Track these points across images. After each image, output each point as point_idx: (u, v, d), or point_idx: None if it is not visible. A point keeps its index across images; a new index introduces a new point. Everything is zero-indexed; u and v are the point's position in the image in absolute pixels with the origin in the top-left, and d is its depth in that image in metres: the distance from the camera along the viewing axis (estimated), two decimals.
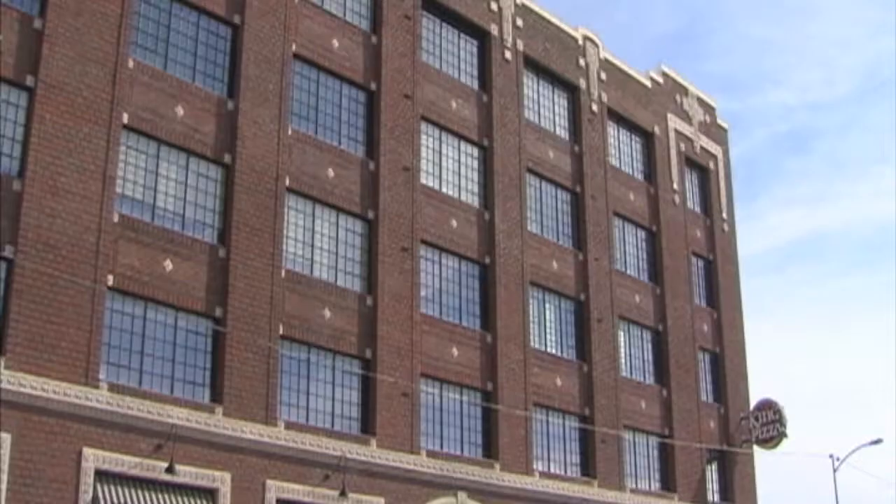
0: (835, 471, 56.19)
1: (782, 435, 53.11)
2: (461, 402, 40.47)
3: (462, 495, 38.62)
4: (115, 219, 31.17)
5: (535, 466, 42.04)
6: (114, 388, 29.89)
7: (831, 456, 56.83)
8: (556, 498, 42.12)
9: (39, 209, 29.38)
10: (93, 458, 28.78)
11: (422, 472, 37.37)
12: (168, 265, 32.19)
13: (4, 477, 26.90)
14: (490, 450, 40.69)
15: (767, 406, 53.83)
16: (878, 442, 56.03)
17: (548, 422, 43.83)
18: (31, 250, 28.96)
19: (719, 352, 54.86)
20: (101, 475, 28.95)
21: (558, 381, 44.35)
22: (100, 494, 28.54)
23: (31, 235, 29.05)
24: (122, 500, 28.80)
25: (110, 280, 30.63)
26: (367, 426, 36.59)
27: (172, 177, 33.35)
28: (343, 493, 34.28)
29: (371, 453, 35.83)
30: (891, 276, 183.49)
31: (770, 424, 53.18)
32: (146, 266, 31.71)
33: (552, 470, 43.21)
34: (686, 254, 54.13)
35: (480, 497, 39.31)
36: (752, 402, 54.88)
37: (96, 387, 29.39)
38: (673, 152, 54.81)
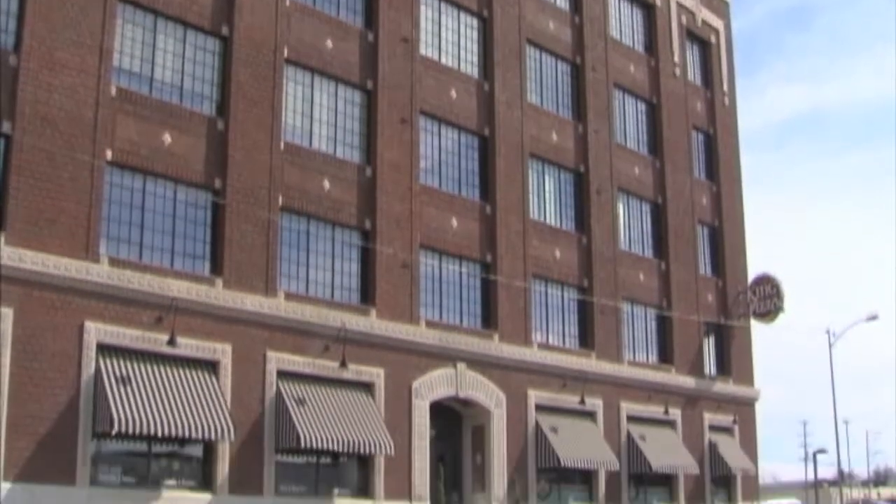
0: (831, 346, 56.78)
1: (779, 309, 53.51)
2: (460, 273, 40.67)
3: (461, 366, 39.06)
4: (113, 92, 30.94)
5: (533, 337, 42.44)
6: (114, 261, 30.01)
7: (828, 331, 57.42)
8: (555, 369, 42.58)
9: (36, 84, 29.13)
10: (94, 331, 29.08)
11: (421, 342, 37.72)
12: (167, 138, 32.05)
13: (7, 352, 27.18)
14: (489, 321, 41.03)
15: (765, 280, 54.13)
16: (874, 318, 56.48)
17: (546, 293, 44.12)
18: (29, 126, 28.80)
19: (718, 225, 54.96)
20: (103, 348, 29.26)
21: (557, 253, 44.53)
22: (102, 367, 28.85)
23: (29, 111, 28.86)
24: (124, 373, 29.11)
25: (109, 154, 30.52)
26: (367, 297, 36.83)
27: (170, 49, 33.02)
28: (343, 364, 34.65)
29: (371, 324, 36.12)
30: (890, 153, 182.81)
31: (767, 299, 53.53)
32: (145, 139, 31.57)
33: (551, 341, 43.64)
34: (686, 127, 53.90)
35: (479, 367, 39.76)
36: (750, 277, 55.26)
37: (96, 261, 29.51)
38: (674, 24, 54.19)
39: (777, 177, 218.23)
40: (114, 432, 27.99)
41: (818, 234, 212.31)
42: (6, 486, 26.68)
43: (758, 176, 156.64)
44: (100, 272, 29.42)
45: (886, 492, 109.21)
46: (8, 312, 27.39)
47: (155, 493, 29.80)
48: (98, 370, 28.81)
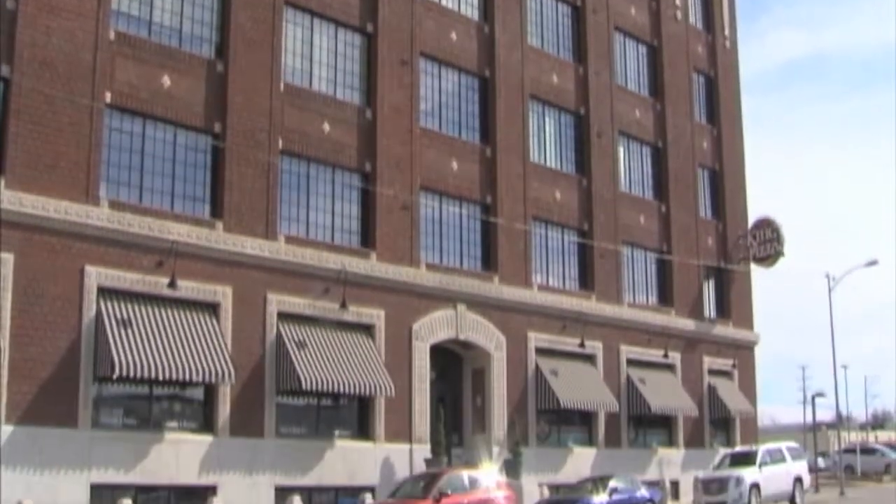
0: (830, 290, 56.77)
1: (779, 254, 53.51)
2: (461, 215, 40.66)
3: (461, 307, 39.16)
4: (112, 35, 30.73)
5: (533, 279, 42.51)
6: (114, 205, 29.99)
7: (827, 276, 57.32)
8: (555, 311, 42.70)
9: (34, 27, 28.92)
10: (95, 275, 29.11)
11: (421, 284, 37.80)
12: (166, 81, 31.91)
13: (8, 296, 27.23)
14: (489, 263, 41.09)
15: (765, 224, 54.09)
16: (873, 263, 56.41)
17: (547, 235, 44.14)
18: (28, 69, 28.63)
19: (719, 169, 54.87)
20: (104, 292, 29.31)
21: (557, 195, 44.50)
22: (103, 311, 28.92)
23: (27, 54, 28.68)
24: (125, 316, 29.18)
25: (108, 97, 30.38)
26: (367, 239, 36.85)
27: None
28: (343, 306, 34.74)
29: (371, 266, 36.17)
30: (890, 99, 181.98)
31: (767, 243, 53.51)
32: (144, 82, 31.43)
33: (551, 283, 43.72)
34: (687, 70, 53.66)
35: (479, 309, 39.88)
36: (751, 220, 55.24)
37: (97, 204, 29.49)
38: None
39: (777, 120, 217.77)
40: (115, 375, 28.13)
41: (818, 179, 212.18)
42: (8, 429, 26.84)
43: (759, 118, 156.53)
44: (100, 216, 29.41)
45: (884, 435, 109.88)
46: (8, 257, 27.40)
47: (156, 436, 29.98)
48: (99, 314, 28.89)
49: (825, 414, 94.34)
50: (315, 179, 35.84)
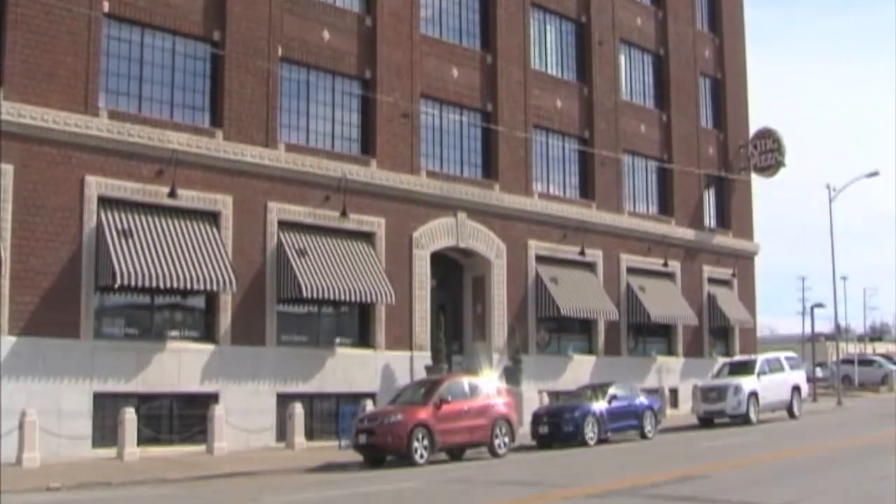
0: (831, 201, 56.68)
1: (780, 164, 53.36)
2: (461, 122, 40.47)
3: (461, 215, 39.14)
4: None
5: (534, 188, 42.44)
6: (114, 114, 29.83)
7: (828, 186, 57.20)
8: (555, 219, 42.67)
9: None
10: (95, 185, 29.06)
11: (422, 192, 37.74)
12: None
13: (9, 207, 27.22)
14: (490, 170, 40.98)
15: (766, 134, 53.85)
16: (874, 174, 56.25)
17: (547, 143, 43.97)
18: None
19: (720, 78, 54.48)
20: (104, 202, 29.28)
21: (558, 103, 44.24)
22: (103, 221, 28.90)
23: None
24: (125, 226, 29.15)
25: (106, 6, 30.04)
26: (368, 147, 36.72)
27: None
28: (344, 214, 34.71)
29: (371, 174, 36.08)
30: (890, 14, 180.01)
31: (768, 153, 53.31)
32: None
33: (551, 191, 43.64)
34: None
35: (480, 217, 39.87)
36: (752, 131, 54.97)
37: (96, 114, 29.34)
38: None
39: (780, 31, 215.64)
40: (116, 285, 28.26)
41: (820, 91, 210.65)
42: (11, 339, 27.00)
43: (761, 29, 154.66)
44: (99, 126, 29.28)
45: (882, 346, 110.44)
46: (8, 168, 27.35)
47: (158, 345, 30.15)
48: (99, 224, 28.88)
49: (824, 325, 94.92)
50: (315, 87, 35.60)
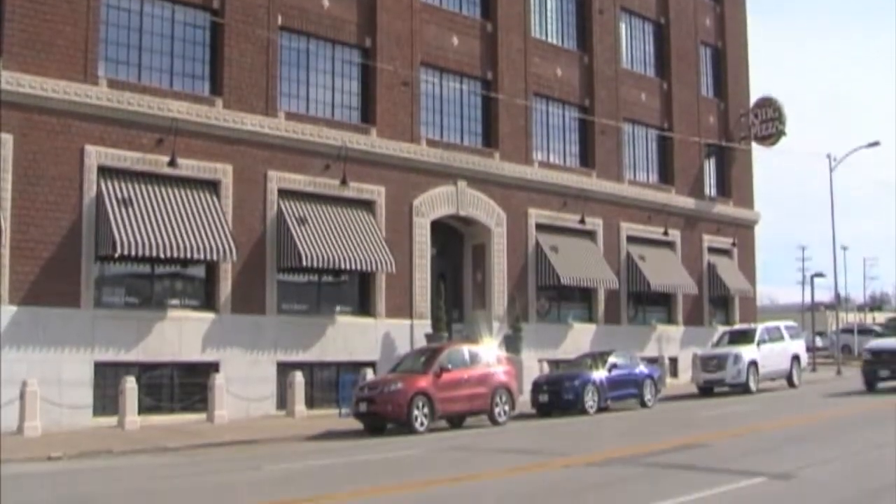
0: (831, 171, 56.56)
1: (781, 133, 53.26)
2: (461, 91, 40.37)
3: (462, 184, 39.10)
4: None
5: (534, 156, 42.38)
6: (113, 83, 29.76)
7: (829, 156, 57.07)
8: (555, 187, 42.63)
9: None
10: (95, 154, 29.03)
11: (422, 160, 37.69)
12: None
13: (9, 177, 27.22)
14: (490, 139, 40.92)
15: (767, 103, 53.71)
16: (875, 144, 56.11)
17: (547, 112, 43.89)
18: None
19: (721, 47, 54.30)
20: (104, 171, 29.25)
21: (559, 71, 44.12)
22: (103, 190, 28.86)
23: None
24: (125, 195, 29.12)
25: None
26: (368, 115, 36.65)
27: None
28: (344, 182, 34.68)
29: (371, 142, 36.02)
30: None
31: (769, 122, 53.18)
32: None
33: (551, 160, 43.58)
34: None
35: (480, 185, 39.83)
36: (753, 100, 54.82)
37: (95, 83, 29.27)
38: None
39: (778, 4, 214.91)
40: (117, 254, 28.24)
41: (820, 62, 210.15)
42: (11, 309, 27.04)
43: (760, 2, 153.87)
44: (99, 95, 29.22)
45: (881, 316, 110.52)
46: (8, 138, 27.34)
47: (159, 314, 30.19)
48: (99, 193, 28.85)
49: (823, 295, 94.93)
50: (315, 55, 35.51)
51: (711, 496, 14.11)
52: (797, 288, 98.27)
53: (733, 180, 53.83)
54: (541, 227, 42.06)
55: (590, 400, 32.47)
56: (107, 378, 28.63)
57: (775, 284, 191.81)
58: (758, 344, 40.02)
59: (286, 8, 34.29)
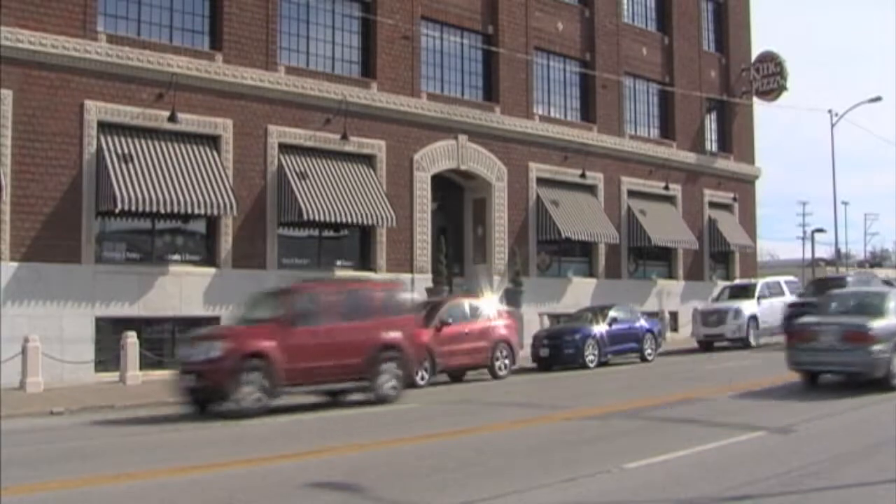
0: (832, 126, 56.46)
1: (782, 88, 53.12)
2: (462, 45, 40.21)
3: (462, 138, 39.02)
4: None
5: (535, 110, 42.27)
6: (112, 38, 29.62)
7: (830, 111, 56.96)
8: (556, 142, 42.56)
9: None
10: (95, 109, 28.94)
11: (423, 114, 37.60)
12: None
13: (8, 133, 27.16)
14: (490, 93, 40.80)
15: (768, 58, 53.53)
16: (877, 99, 55.97)
17: (548, 66, 43.73)
18: None
19: (723, 1, 53.97)
20: (104, 126, 29.18)
21: (560, 25, 43.91)
22: (103, 146, 28.81)
23: None
24: (125, 151, 29.07)
25: None
26: (368, 69, 36.51)
27: None
28: (344, 137, 34.61)
29: (372, 96, 35.92)
30: None
31: (770, 77, 53.02)
32: None
33: (552, 114, 43.47)
34: None
35: (481, 140, 39.75)
36: (754, 55, 54.59)
37: (94, 38, 29.12)
38: None
39: None
40: (117, 210, 28.21)
41: (822, 17, 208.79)
42: (13, 265, 27.07)
43: None
44: (98, 50, 29.09)
45: (881, 273, 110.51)
46: (7, 94, 27.25)
47: (160, 269, 30.23)
48: (100, 149, 28.80)
49: (824, 250, 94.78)
50: (315, 9, 35.32)
51: (712, 449, 14.19)
52: (798, 243, 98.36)
53: (734, 135, 53.70)
54: (541, 182, 42.01)
55: (590, 354, 32.57)
56: (108, 333, 28.70)
57: (776, 240, 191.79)
58: (758, 299, 40.03)
59: None
